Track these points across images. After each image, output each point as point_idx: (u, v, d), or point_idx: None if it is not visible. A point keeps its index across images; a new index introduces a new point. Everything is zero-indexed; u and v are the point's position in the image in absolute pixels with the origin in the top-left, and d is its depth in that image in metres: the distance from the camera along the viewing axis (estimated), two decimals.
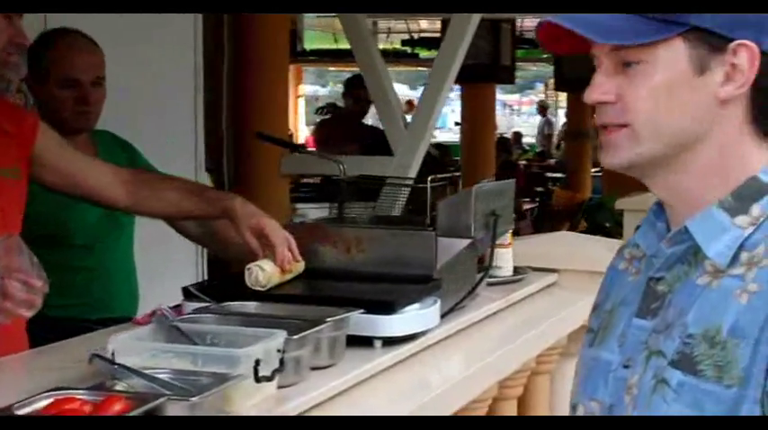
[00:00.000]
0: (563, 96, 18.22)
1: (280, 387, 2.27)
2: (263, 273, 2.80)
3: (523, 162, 18.97)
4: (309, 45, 18.97)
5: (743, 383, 1.35)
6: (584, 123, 14.46)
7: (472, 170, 10.64)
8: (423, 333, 2.83)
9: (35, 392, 1.98)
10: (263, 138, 4.67)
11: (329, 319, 2.46)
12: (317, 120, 17.37)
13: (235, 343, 2.26)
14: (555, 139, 23.78)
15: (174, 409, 1.95)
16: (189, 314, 2.56)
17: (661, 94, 1.44)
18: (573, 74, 12.49)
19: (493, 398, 3.14)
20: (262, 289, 2.78)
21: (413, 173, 5.64)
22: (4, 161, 2.91)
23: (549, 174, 16.96)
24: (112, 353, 2.16)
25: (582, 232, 9.66)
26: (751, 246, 1.42)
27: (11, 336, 2.81)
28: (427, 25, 17.40)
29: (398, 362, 2.73)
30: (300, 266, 2.93)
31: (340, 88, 24.48)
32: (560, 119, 22.50)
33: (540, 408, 3.80)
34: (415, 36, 17.36)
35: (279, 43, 5.90)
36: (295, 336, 2.29)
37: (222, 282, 2.99)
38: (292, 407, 2.26)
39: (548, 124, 25.08)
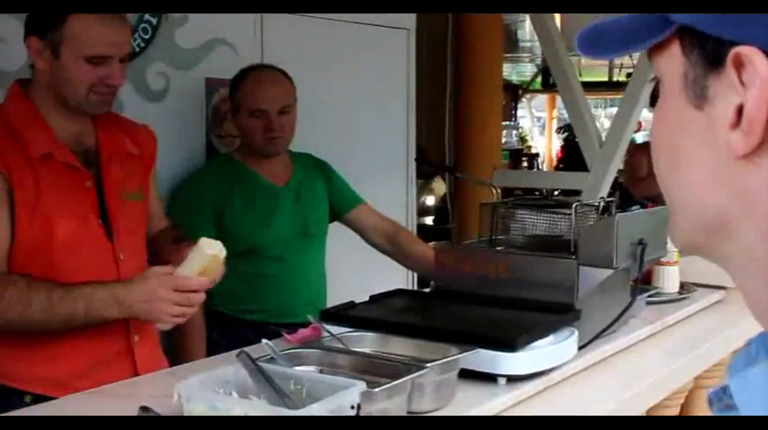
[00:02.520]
0: None
1: None
2: None
3: None
4: None
5: None
6: None
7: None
8: (555, 367, 2.06)
9: None
10: (422, 162, 4.03)
11: (428, 365, 1.72)
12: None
13: (314, 390, 1.59)
14: None
15: None
16: (293, 349, 1.87)
17: (663, 139, 0.73)
18: None
19: None
20: None
21: (606, 187, 4.88)
22: (131, 184, 2.35)
23: None
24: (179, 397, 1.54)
25: None
26: None
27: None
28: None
29: (524, 400, 1.97)
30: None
31: (597, 111, 23.72)
32: None
33: None
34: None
35: (494, 75, 5.18)
36: (377, 389, 1.56)
37: (370, 305, 2.29)
38: None
39: None
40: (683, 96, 0.69)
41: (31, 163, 2.09)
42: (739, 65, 0.63)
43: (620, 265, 2.25)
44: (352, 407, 1.50)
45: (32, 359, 2.12)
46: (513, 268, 2.24)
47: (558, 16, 5.22)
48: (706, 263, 2.49)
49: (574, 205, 2.31)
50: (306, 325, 2.92)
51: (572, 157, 15.77)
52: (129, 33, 2.23)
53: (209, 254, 2.06)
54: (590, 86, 13.50)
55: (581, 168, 13.75)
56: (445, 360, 1.76)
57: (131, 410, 1.76)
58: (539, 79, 18.17)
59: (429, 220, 6.05)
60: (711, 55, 0.66)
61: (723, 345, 2.82)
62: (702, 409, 2.92)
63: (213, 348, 2.79)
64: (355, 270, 3.48)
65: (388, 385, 1.59)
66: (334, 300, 3.18)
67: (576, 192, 5.77)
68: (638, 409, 2.31)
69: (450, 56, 5.02)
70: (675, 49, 0.70)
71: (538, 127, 24.27)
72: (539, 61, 17.84)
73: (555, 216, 2.48)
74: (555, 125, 22.68)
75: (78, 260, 2.13)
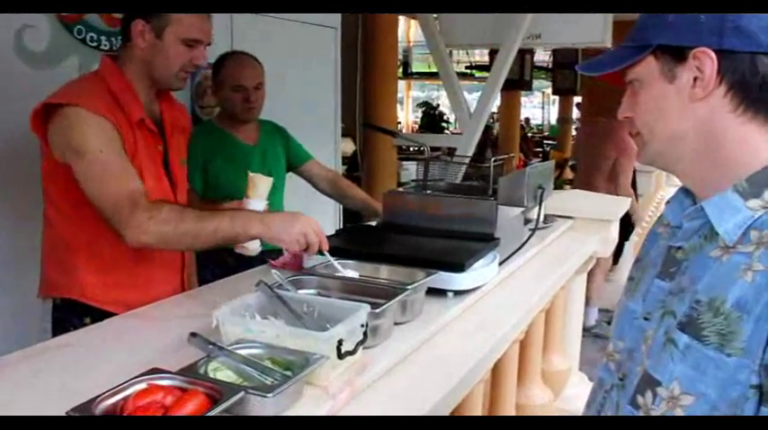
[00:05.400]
0: (556, 98, 16.78)
1: (365, 348, 1.33)
2: None
3: (530, 134, 17.82)
4: (415, 68, 18.26)
5: (743, 355, 0.82)
6: (567, 113, 13.19)
7: (505, 138, 9.54)
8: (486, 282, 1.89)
9: (174, 341, 1.38)
10: (370, 127, 3.79)
11: (410, 286, 1.51)
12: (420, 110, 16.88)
13: (326, 313, 1.36)
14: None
15: (253, 405, 1.04)
16: (295, 276, 1.61)
17: (648, 104, 0.96)
18: (561, 86, 11.43)
19: None
20: None
21: (474, 144, 4.72)
22: (181, 152, 2.03)
23: (547, 142, 15.94)
24: (217, 322, 1.30)
25: (567, 178, 8.65)
26: (761, 226, 0.87)
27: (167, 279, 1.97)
28: (479, 57, 16.31)
29: (468, 307, 1.80)
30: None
31: (434, 93, 23.76)
32: (554, 111, 20.79)
33: (559, 314, 2.88)
34: (473, 63, 16.31)
35: (390, 65, 4.96)
36: (377, 310, 1.35)
37: (337, 237, 2.06)
38: (377, 370, 1.34)
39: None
40: (660, 79, 0.94)
41: (131, 125, 1.78)
42: (695, 57, 0.90)
43: (528, 205, 2.09)
44: (362, 326, 1.29)
45: (115, 285, 1.83)
46: (447, 207, 2.05)
47: (438, 22, 5.01)
48: (557, 200, 2.43)
49: (491, 160, 2.11)
50: (274, 251, 2.68)
51: (428, 124, 15.79)
52: (212, 24, 1.90)
53: (268, 180, 1.86)
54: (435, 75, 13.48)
55: (435, 131, 13.68)
56: (421, 282, 1.56)
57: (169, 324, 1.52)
58: (400, 69, 18.01)
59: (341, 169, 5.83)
60: (678, 55, 0.92)
61: (579, 258, 2.76)
62: (559, 304, 2.85)
63: (200, 269, 2.51)
64: (299, 208, 3.23)
65: (385, 306, 1.38)
66: None
67: (437, 149, 5.66)
68: (539, 307, 2.21)
69: (359, 48, 4.72)
70: (649, 58, 0.95)
71: (398, 103, 24.22)
72: (400, 56, 17.74)
73: (468, 168, 2.30)
74: (411, 103, 22.68)
75: None
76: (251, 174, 1.88)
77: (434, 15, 4.98)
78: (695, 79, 0.90)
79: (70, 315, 1.83)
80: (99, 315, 1.76)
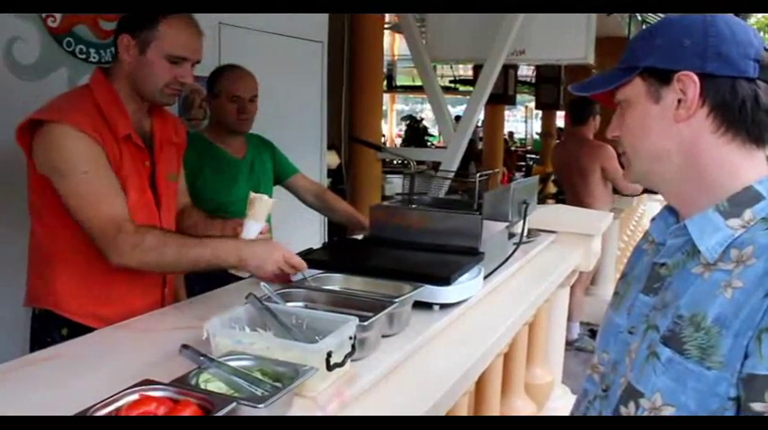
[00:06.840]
0: (539, 112, 16.92)
1: (353, 360, 1.35)
2: None
3: (514, 148, 17.95)
4: (400, 82, 18.36)
5: (722, 368, 0.86)
6: (550, 128, 13.28)
7: (489, 152, 9.60)
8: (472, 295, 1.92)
9: (164, 352, 1.40)
10: (356, 141, 3.82)
11: (397, 300, 1.54)
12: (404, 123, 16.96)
13: (315, 325, 1.38)
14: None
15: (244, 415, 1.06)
16: (283, 289, 1.63)
17: (634, 124, 1.01)
18: (544, 101, 11.49)
19: None
20: None
21: (458, 158, 4.76)
22: (171, 167, 2.02)
23: (530, 156, 16.08)
24: (207, 334, 1.32)
25: (550, 192, 8.68)
26: (740, 245, 0.91)
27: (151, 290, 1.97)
28: (462, 72, 16.42)
29: (454, 321, 1.83)
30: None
31: (417, 106, 23.89)
32: (537, 125, 21.00)
33: (542, 327, 2.91)
34: (457, 77, 16.40)
35: (375, 79, 4.95)
36: (366, 322, 1.38)
37: (324, 250, 2.08)
38: (365, 382, 1.36)
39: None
40: (646, 100, 0.99)
41: (116, 140, 1.78)
42: (678, 80, 0.95)
43: (512, 220, 2.13)
44: (351, 338, 1.31)
45: (90, 298, 1.82)
46: (433, 221, 2.08)
47: (423, 37, 5.05)
48: (541, 214, 2.47)
49: (477, 175, 2.15)
50: None
51: (412, 137, 15.86)
52: (202, 42, 1.89)
53: (267, 201, 1.86)
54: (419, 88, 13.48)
55: (419, 145, 13.70)
56: (407, 295, 1.59)
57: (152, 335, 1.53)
58: (385, 82, 18.07)
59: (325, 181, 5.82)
60: (663, 77, 0.97)
61: (562, 272, 2.80)
62: (542, 317, 2.89)
63: (189, 282, 2.52)
64: (284, 221, 3.25)
65: (373, 319, 1.40)
66: None
67: (422, 163, 5.70)
68: (523, 320, 2.24)
69: (345, 61, 4.75)
70: (636, 80, 1.00)
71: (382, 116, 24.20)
72: (384, 70, 17.79)
73: (452, 182, 2.33)
74: (395, 116, 22.75)
75: None
76: (251, 194, 1.90)
77: (420, 29, 5.03)
78: (679, 101, 0.95)
79: (48, 326, 1.83)
80: (76, 327, 1.76)
